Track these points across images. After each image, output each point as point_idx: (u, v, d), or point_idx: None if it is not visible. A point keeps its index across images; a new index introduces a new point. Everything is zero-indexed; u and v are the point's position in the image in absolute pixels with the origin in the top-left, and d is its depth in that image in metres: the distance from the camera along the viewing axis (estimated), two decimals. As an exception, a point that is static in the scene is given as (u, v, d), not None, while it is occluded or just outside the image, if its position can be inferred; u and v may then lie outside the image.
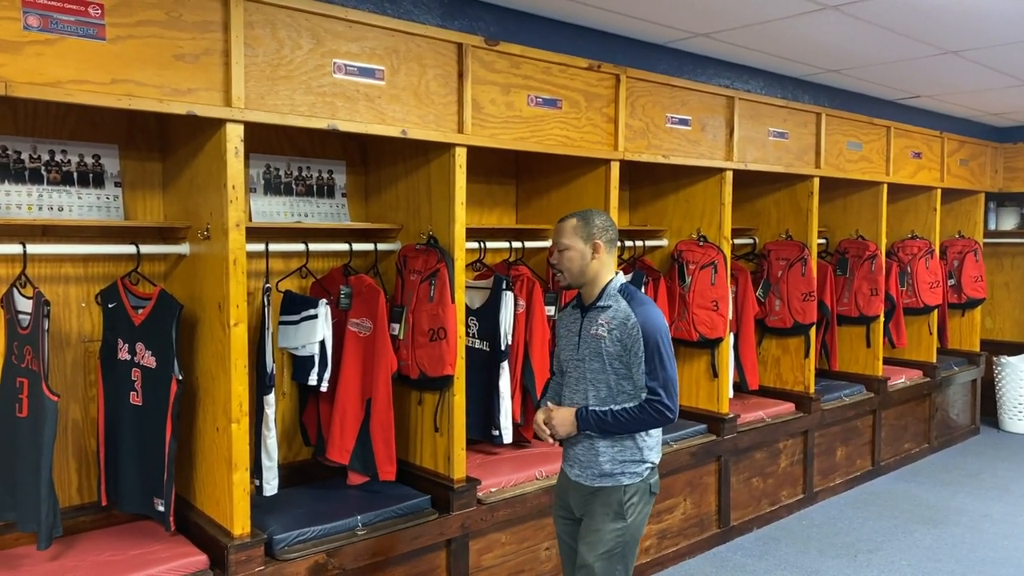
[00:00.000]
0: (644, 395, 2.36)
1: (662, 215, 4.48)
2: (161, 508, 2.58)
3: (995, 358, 6.69)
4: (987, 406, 6.78)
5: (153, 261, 2.89)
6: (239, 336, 2.50)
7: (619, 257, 4.19)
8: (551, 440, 2.52)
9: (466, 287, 3.56)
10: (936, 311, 6.03)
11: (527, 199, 4.06)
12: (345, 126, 2.71)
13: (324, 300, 2.97)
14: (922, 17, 3.33)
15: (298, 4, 2.58)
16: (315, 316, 2.94)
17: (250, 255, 3.02)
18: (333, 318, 3.16)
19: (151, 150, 2.91)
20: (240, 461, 2.52)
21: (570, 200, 3.80)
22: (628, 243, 4.26)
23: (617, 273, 2.51)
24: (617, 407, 2.39)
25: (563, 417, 2.46)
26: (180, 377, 2.54)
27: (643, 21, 3.42)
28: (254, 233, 3.03)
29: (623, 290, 2.46)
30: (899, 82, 4.68)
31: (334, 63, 2.69)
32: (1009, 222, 7.06)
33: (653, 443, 2.49)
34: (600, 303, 2.45)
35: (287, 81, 2.58)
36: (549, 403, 2.58)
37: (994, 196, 6.89)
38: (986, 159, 6.49)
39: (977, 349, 6.66)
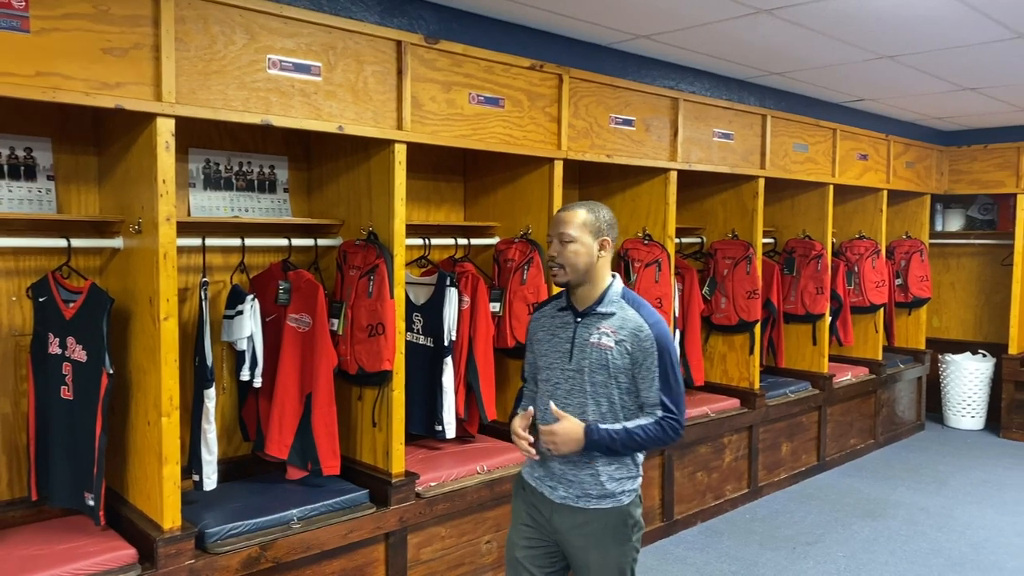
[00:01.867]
0: (659, 412, 2.17)
1: (610, 214, 4.53)
2: (91, 502, 2.57)
3: (941, 356, 6.87)
4: (932, 403, 6.96)
5: (88, 255, 2.88)
6: (169, 330, 2.51)
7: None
8: (533, 452, 2.23)
9: (411, 283, 3.60)
10: (882, 309, 6.17)
11: (475, 196, 4.09)
12: (279, 121, 2.73)
13: (251, 296, 2.98)
14: (853, 22, 3.42)
15: (231, 0, 2.58)
16: (242, 312, 2.94)
17: (190, 249, 3.06)
18: (272, 313, 3.18)
19: (86, 144, 2.90)
20: (171, 455, 2.53)
21: (515, 198, 3.85)
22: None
23: (615, 276, 2.30)
24: (632, 424, 2.17)
25: (569, 433, 2.15)
26: (111, 371, 2.53)
27: (585, 22, 3.47)
28: (191, 228, 3.04)
29: (626, 295, 2.26)
30: (841, 85, 4.78)
31: (269, 59, 2.70)
32: (955, 223, 7.24)
33: (642, 457, 2.32)
34: (601, 308, 2.22)
35: (220, 76, 2.58)
36: (524, 409, 2.30)
37: (940, 198, 7.07)
38: (932, 162, 6.65)
39: (923, 347, 6.83)
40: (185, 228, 2.98)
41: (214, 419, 2.86)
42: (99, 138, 2.89)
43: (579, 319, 2.26)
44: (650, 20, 3.43)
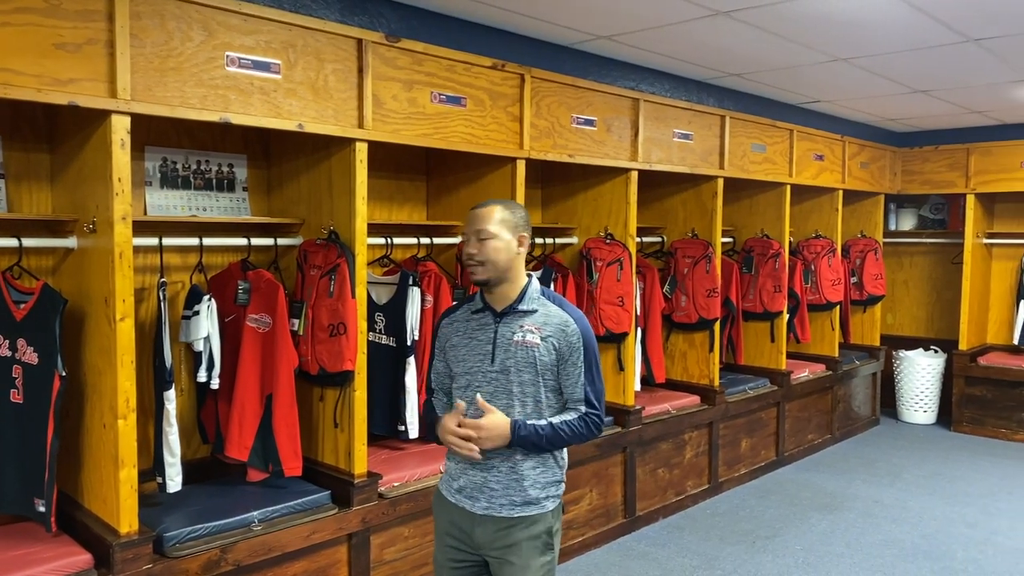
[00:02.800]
0: (583, 408, 2.14)
1: (572, 213, 4.57)
2: (42, 508, 2.52)
3: (895, 352, 7.03)
4: (887, 398, 7.12)
5: (40, 255, 2.81)
6: (125, 331, 2.46)
7: (530, 254, 4.26)
8: (475, 454, 2.10)
9: (373, 283, 3.58)
10: (838, 307, 6.31)
11: (437, 195, 4.08)
12: (238, 119, 2.69)
13: (207, 296, 2.94)
14: (808, 25, 3.49)
15: (188, -5, 2.55)
16: (199, 312, 2.91)
17: (147, 249, 3.00)
18: (231, 313, 3.14)
19: (38, 141, 2.83)
20: (127, 458, 2.48)
21: (478, 197, 3.81)
22: (539, 240, 4.33)
23: (530, 275, 2.25)
24: (557, 420, 2.13)
25: (496, 427, 2.08)
26: (63, 374, 2.48)
27: (546, 22, 3.48)
28: (148, 227, 2.99)
29: (547, 293, 2.23)
30: (798, 87, 4.88)
31: (227, 56, 2.67)
32: (908, 223, 7.43)
33: (565, 459, 2.27)
34: (522, 306, 2.16)
35: (177, 73, 2.55)
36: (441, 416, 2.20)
37: (894, 198, 7.25)
38: (885, 162, 6.81)
39: (878, 344, 6.99)
40: (141, 227, 2.92)
41: (175, 421, 2.82)
42: (52, 135, 2.83)
43: (499, 319, 2.18)
44: (610, 21, 3.46)
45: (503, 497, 2.15)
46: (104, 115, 2.41)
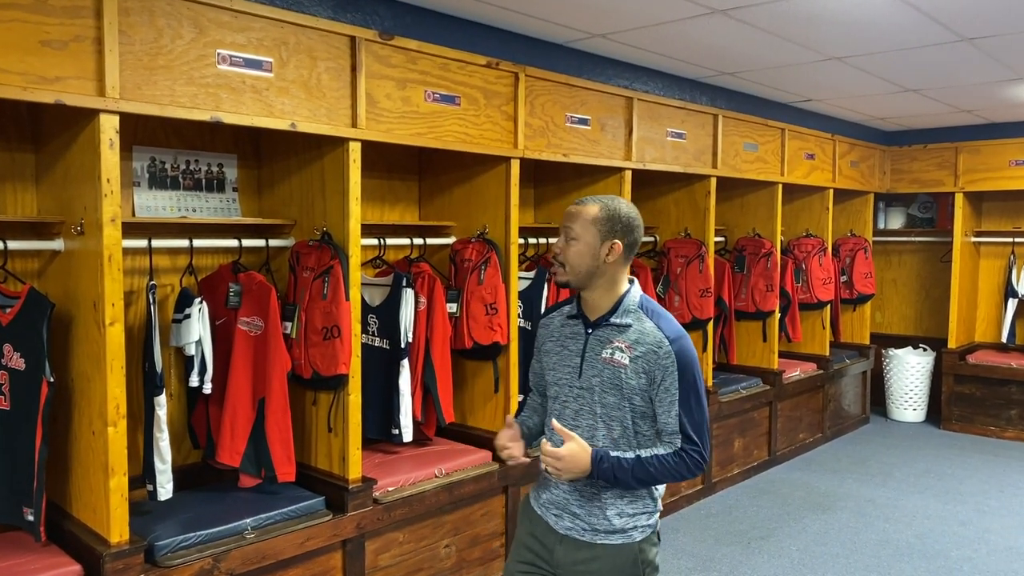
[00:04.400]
0: (678, 442, 1.92)
1: (565, 213, 4.52)
2: (31, 518, 2.45)
3: (884, 351, 7.06)
4: (876, 396, 7.15)
5: (26, 257, 2.74)
6: (115, 336, 2.40)
7: (523, 254, 4.23)
8: (519, 455, 2.04)
9: (366, 284, 3.53)
10: (829, 306, 6.31)
11: (430, 195, 4.04)
12: (230, 118, 2.64)
13: (199, 299, 2.88)
14: (804, 24, 3.47)
15: (178, -9, 2.49)
16: (190, 315, 2.84)
17: (136, 251, 2.94)
18: (222, 317, 3.08)
19: (22, 140, 2.76)
20: (117, 466, 2.42)
21: (472, 197, 3.81)
22: (533, 240, 4.29)
23: (632, 282, 2.03)
24: (646, 454, 1.92)
25: (575, 458, 1.89)
26: (51, 379, 2.42)
27: (540, 20, 3.44)
28: (137, 229, 2.93)
29: (644, 304, 1.98)
30: (791, 85, 4.86)
31: (218, 54, 2.60)
32: (896, 221, 7.45)
33: (661, 489, 2.07)
34: (615, 319, 1.97)
35: (167, 71, 2.48)
36: (517, 419, 2.12)
37: (883, 196, 7.26)
38: (875, 161, 6.83)
39: (867, 342, 7.00)
40: (130, 229, 2.86)
41: (166, 427, 2.75)
42: (37, 134, 2.76)
43: (590, 330, 2.01)
44: (606, 18, 3.42)
45: (584, 521, 2.00)
46: (92, 114, 2.35)
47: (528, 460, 2.11)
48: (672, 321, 2.00)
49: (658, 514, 2.06)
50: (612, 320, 1.99)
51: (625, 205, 2.01)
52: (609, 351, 1.96)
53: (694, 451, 1.93)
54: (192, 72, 2.54)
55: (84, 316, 2.50)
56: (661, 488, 2.06)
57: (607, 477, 1.91)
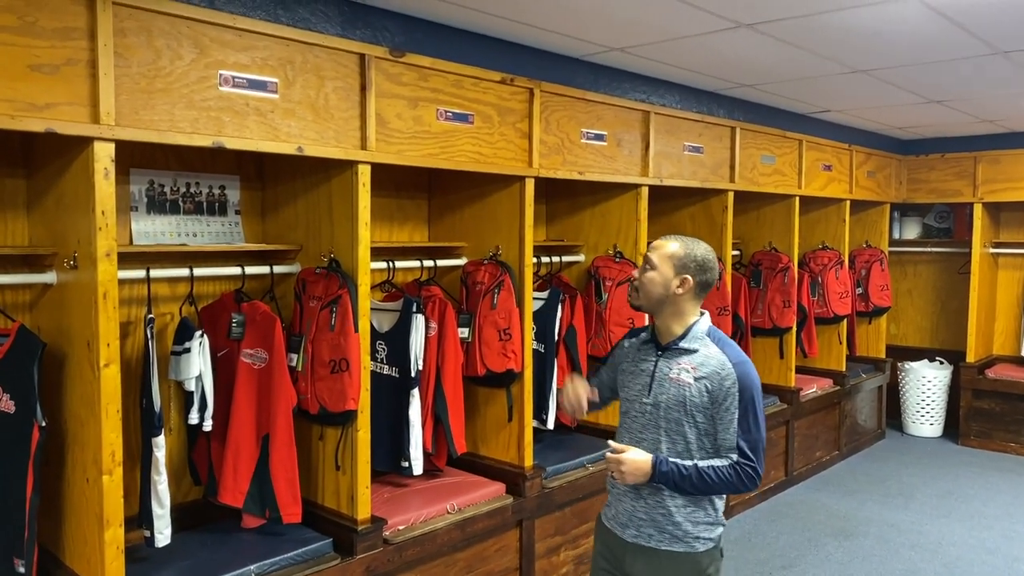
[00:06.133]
0: (735, 456, 2.10)
1: (579, 230, 4.38)
2: (21, 569, 2.30)
3: (900, 364, 6.90)
4: (892, 409, 6.99)
5: (16, 291, 2.59)
6: (110, 378, 2.25)
7: (535, 274, 4.07)
8: (622, 479, 2.16)
9: (374, 309, 3.37)
10: (845, 320, 6.15)
11: (440, 214, 3.88)
12: (233, 143, 2.48)
13: (199, 332, 2.72)
14: (832, 38, 3.32)
15: (178, 10, 2.33)
16: (189, 349, 2.69)
17: (134, 281, 2.78)
18: (224, 348, 2.93)
19: (13, 166, 2.61)
20: (113, 517, 2.27)
21: (484, 216, 3.66)
22: (545, 259, 4.14)
23: (703, 314, 2.25)
24: (703, 464, 2.11)
25: (636, 465, 2.12)
26: (43, 423, 2.26)
27: (557, 34, 3.29)
28: (133, 258, 2.77)
29: (712, 333, 2.20)
30: (811, 97, 4.71)
31: (220, 75, 2.45)
32: (912, 231, 7.29)
33: (722, 505, 2.24)
34: (683, 344, 2.18)
35: (166, 94, 2.33)
36: (612, 443, 2.23)
37: (898, 206, 7.10)
38: (891, 171, 6.67)
39: (883, 356, 6.84)
40: (127, 258, 2.71)
41: (164, 469, 2.60)
42: (28, 159, 2.61)
43: (661, 353, 2.23)
44: (626, 33, 3.27)
45: (650, 527, 2.18)
46: (86, 142, 2.19)
47: (583, 409, 2.39)
48: (736, 348, 2.20)
49: (721, 528, 2.21)
50: (681, 344, 2.19)
51: (703, 248, 2.23)
52: (676, 371, 2.17)
53: (748, 466, 2.10)
54: (193, 95, 2.39)
55: (78, 355, 2.35)
56: (721, 504, 2.21)
57: (666, 481, 2.12)
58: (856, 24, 3.12)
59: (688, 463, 2.11)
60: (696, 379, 2.13)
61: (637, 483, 2.15)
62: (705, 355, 2.15)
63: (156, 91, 2.31)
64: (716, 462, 2.11)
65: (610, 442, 2.22)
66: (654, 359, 2.23)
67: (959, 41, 3.36)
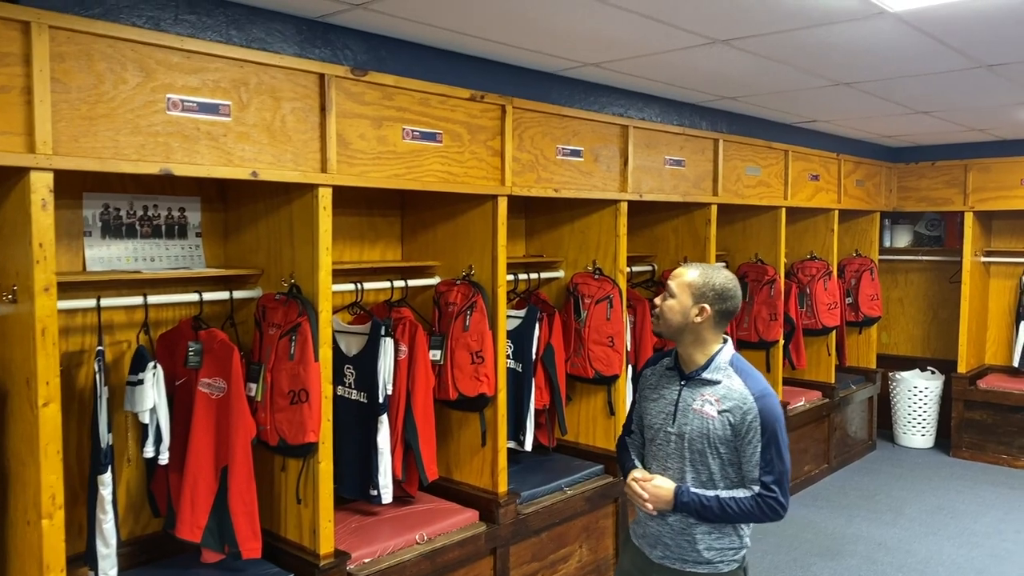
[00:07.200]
0: (757, 488, 2.13)
1: (558, 245, 4.29)
2: (-40, 618, 2.21)
3: (891, 374, 6.81)
4: (883, 419, 6.90)
5: (-40, 321, 2.49)
6: (50, 418, 2.15)
7: (513, 291, 3.99)
8: (647, 507, 2.24)
9: (342, 332, 3.30)
10: (835, 331, 6.06)
11: (413, 232, 3.79)
12: (181, 170, 2.39)
13: (152, 363, 2.63)
14: (811, 53, 3.23)
15: (121, 33, 2.24)
16: (142, 381, 2.60)
17: (88, 309, 2.69)
18: (182, 376, 2.84)
19: (-44, 192, 2.51)
20: (54, 562, 2.17)
21: (457, 235, 3.57)
22: (523, 276, 4.05)
23: (726, 341, 2.27)
24: (725, 494, 2.16)
25: (660, 494, 2.21)
26: (-19, 464, 2.17)
27: (529, 51, 3.20)
28: (85, 286, 2.67)
29: (735, 363, 2.23)
30: (795, 108, 4.62)
31: (169, 99, 2.36)
32: (903, 239, 7.21)
33: (749, 529, 2.29)
34: (706, 374, 2.22)
35: (108, 120, 2.24)
36: (638, 466, 2.33)
37: (889, 213, 7.01)
38: (881, 179, 6.58)
39: (874, 366, 6.75)
40: (77, 287, 2.63)
41: (111, 507, 2.50)
42: (-29, 186, 2.51)
43: (684, 382, 2.25)
44: (600, 49, 3.18)
45: (675, 552, 2.23)
46: (22, 172, 2.10)
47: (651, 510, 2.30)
48: (759, 380, 2.21)
49: (745, 551, 2.28)
50: (704, 375, 2.22)
51: (722, 277, 2.23)
52: (700, 403, 2.20)
53: (771, 498, 2.13)
54: (138, 120, 2.30)
55: (18, 391, 2.25)
56: (749, 528, 2.27)
57: (688, 511, 2.17)
58: (833, 40, 3.03)
59: (710, 494, 2.16)
60: (720, 412, 2.16)
61: (662, 512, 2.22)
62: (728, 387, 2.18)
63: (98, 117, 2.22)
64: (739, 493, 2.15)
65: (633, 472, 2.30)
66: (678, 388, 2.26)
67: (941, 55, 3.28)
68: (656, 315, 2.29)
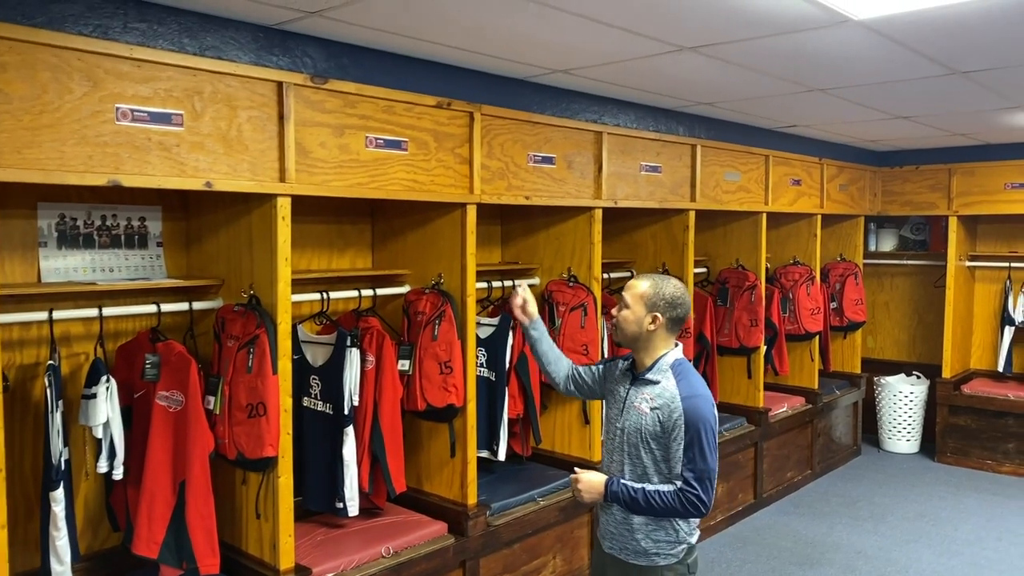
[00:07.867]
0: (679, 483, 2.27)
1: (533, 252, 4.25)
2: (-99, 640, 2.16)
3: (876, 379, 6.77)
4: (868, 424, 6.87)
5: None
6: (-10, 436, 2.11)
7: (487, 299, 3.95)
8: (579, 496, 2.42)
9: (307, 342, 3.26)
10: (817, 337, 6.02)
11: (384, 240, 3.75)
12: (131, 181, 2.34)
13: (105, 377, 2.59)
14: (780, 60, 3.20)
15: (66, 42, 2.19)
16: (96, 395, 2.55)
17: (41, 322, 2.64)
18: (140, 389, 2.79)
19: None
20: (-3, 582, 2.13)
21: (427, 244, 3.52)
22: (497, 283, 4.01)
23: (676, 345, 2.43)
24: (651, 488, 2.30)
25: (590, 484, 2.38)
26: (-77, 483, 2.13)
27: (495, 58, 3.16)
28: (38, 299, 2.63)
29: (676, 366, 2.37)
30: (773, 113, 4.59)
31: (118, 108, 2.31)
32: (888, 243, 7.18)
33: (690, 527, 2.40)
34: (649, 375, 2.37)
35: (53, 131, 2.19)
36: (577, 470, 2.49)
37: (874, 217, 6.98)
38: (865, 183, 6.55)
39: (858, 371, 6.72)
40: (31, 299, 2.59)
41: (64, 525, 2.46)
42: (-80, 197, 2.47)
43: (631, 382, 2.42)
44: (565, 56, 3.14)
45: (617, 541, 2.40)
46: (-39, 185, 2.06)
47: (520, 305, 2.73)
48: (693, 383, 2.33)
49: (685, 547, 2.37)
50: (647, 376, 2.37)
51: (672, 286, 2.39)
52: (639, 400, 2.35)
53: (692, 493, 2.25)
54: (85, 130, 2.25)
55: (-37, 408, 2.20)
56: (687, 526, 2.37)
57: (616, 501, 2.33)
58: (802, 48, 3.00)
59: (638, 486, 2.30)
60: (651, 409, 2.31)
61: (595, 501, 2.39)
62: (663, 387, 2.32)
63: (42, 127, 2.17)
64: (664, 488, 2.29)
65: (576, 468, 2.49)
66: (627, 387, 2.42)
67: (914, 62, 3.24)
68: (614, 325, 2.45)
